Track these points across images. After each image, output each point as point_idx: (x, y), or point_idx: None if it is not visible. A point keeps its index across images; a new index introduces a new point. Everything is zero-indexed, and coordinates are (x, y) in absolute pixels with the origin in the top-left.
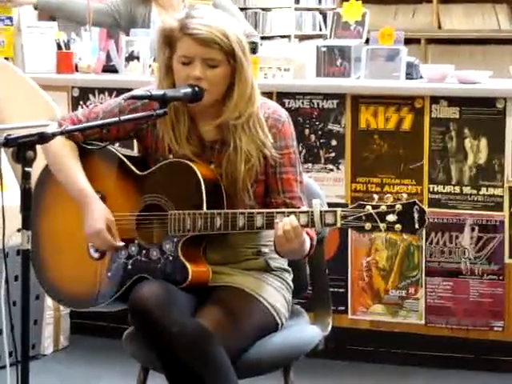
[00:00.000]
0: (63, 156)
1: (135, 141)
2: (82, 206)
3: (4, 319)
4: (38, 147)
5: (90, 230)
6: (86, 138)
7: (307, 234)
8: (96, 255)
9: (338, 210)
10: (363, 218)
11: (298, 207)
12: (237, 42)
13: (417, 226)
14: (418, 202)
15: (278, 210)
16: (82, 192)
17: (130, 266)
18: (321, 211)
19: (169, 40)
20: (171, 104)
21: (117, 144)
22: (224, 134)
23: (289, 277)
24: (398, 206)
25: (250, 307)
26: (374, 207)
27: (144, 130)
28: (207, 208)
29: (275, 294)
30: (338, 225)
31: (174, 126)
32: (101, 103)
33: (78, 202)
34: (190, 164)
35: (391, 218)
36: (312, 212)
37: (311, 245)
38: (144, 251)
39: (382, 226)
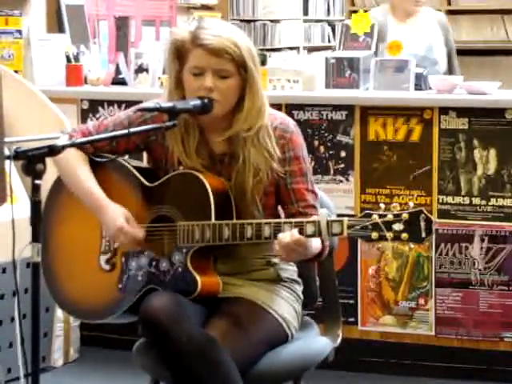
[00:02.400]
0: (75, 166)
1: (144, 153)
2: (96, 212)
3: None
4: (48, 159)
5: (112, 229)
6: (96, 151)
7: None
8: (107, 267)
9: (345, 219)
10: (370, 227)
11: (313, 215)
12: (248, 52)
13: (423, 234)
14: (424, 210)
15: (285, 220)
16: (94, 199)
17: (140, 278)
18: (327, 221)
19: (180, 52)
20: (181, 116)
21: (126, 156)
22: (233, 146)
23: (299, 288)
24: (405, 215)
25: (259, 319)
26: (380, 216)
27: (153, 143)
28: (216, 219)
29: (285, 305)
30: (345, 234)
31: (184, 139)
32: (110, 115)
33: (92, 210)
34: (199, 175)
35: (398, 226)
36: (319, 222)
37: (324, 246)
38: (154, 262)
39: (389, 235)
